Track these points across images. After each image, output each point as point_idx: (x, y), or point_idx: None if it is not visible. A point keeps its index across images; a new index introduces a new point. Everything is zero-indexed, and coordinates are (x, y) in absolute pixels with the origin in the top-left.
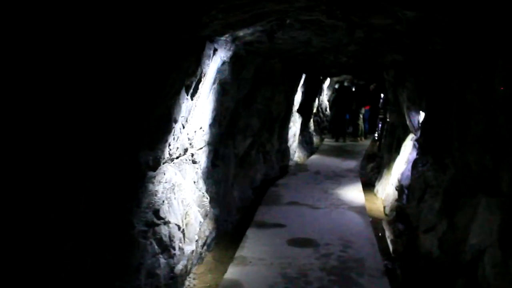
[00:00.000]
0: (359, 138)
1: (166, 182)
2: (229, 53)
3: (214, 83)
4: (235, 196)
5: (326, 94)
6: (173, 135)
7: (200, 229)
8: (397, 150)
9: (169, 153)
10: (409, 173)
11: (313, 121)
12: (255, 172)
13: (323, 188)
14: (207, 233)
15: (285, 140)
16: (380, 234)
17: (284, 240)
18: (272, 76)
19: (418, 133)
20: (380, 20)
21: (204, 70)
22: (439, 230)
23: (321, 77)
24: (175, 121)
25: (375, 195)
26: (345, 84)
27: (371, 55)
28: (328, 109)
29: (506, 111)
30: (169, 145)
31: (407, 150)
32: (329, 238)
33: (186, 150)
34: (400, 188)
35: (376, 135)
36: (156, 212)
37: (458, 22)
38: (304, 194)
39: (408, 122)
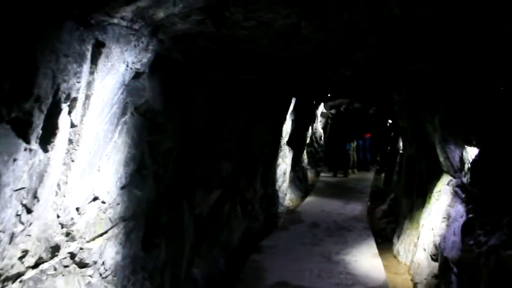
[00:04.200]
0: (350, 171)
1: None
2: (146, 56)
3: (122, 113)
4: (195, 277)
5: (320, 122)
6: None
7: None
8: (421, 195)
9: None
10: (455, 238)
11: (306, 152)
12: (229, 232)
13: (324, 252)
14: None
15: (272, 182)
16: None
17: None
18: (247, 101)
19: (465, 176)
20: None
21: (68, 85)
22: None
23: (314, 102)
24: None
25: (395, 257)
26: (342, 109)
27: (385, 66)
28: (323, 138)
29: None
30: None
31: (444, 200)
32: None
33: (55, 249)
34: (443, 262)
35: (377, 167)
36: None
37: None
38: (298, 266)
39: (442, 159)
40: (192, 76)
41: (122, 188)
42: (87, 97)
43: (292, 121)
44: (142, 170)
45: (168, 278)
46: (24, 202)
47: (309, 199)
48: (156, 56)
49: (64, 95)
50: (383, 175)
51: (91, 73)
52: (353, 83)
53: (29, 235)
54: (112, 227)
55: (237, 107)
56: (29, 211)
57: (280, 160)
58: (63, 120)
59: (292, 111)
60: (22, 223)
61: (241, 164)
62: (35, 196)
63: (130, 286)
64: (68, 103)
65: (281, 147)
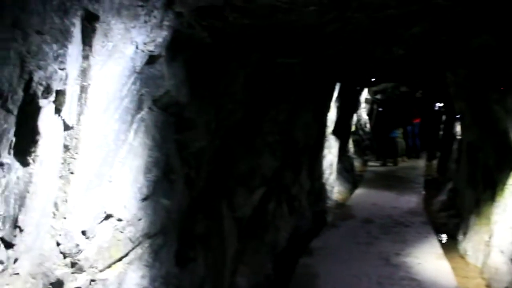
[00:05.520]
0: (400, 159)
1: None
2: (161, 35)
3: (138, 108)
4: (240, 287)
5: (364, 108)
6: None
7: None
8: (489, 187)
9: None
10: None
11: (352, 141)
12: (276, 233)
13: (381, 253)
14: None
15: (319, 175)
16: None
17: None
18: (289, 88)
19: None
20: None
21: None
22: None
23: (358, 88)
24: None
25: (462, 258)
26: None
27: (444, 42)
28: (368, 125)
29: None
30: None
31: None
32: None
33: (56, 286)
34: None
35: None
36: None
37: None
38: (354, 270)
39: None
40: (223, 60)
41: (144, 199)
42: (83, 89)
43: (337, 108)
44: (169, 175)
45: None
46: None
47: (358, 191)
48: (174, 34)
49: (41, 88)
50: (434, 162)
51: (85, 57)
52: (403, 65)
53: (17, 274)
54: (133, 248)
55: (278, 95)
56: (8, 245)
57: (326, 151)
58: (48, 121)
59: (337, 98)
60: (1, 262)
61: (285, 158)
62: (15, 225)
63: None
64: (52, 99)
65: (326, 137)
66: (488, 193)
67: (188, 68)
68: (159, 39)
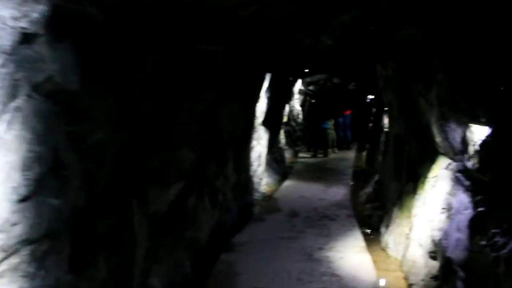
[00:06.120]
0: (330, 150)
1: None
2: (37, 9)
3: (11, 95)
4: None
5: (297, 99)
6: None
7: None
8: (411, 180)
9: None
10: (460, 235)
11: (284, 131)
12: (196, 229)
13: (305, 247)
14: None
15: (246, 167)
16: None
17: None
18: (212, 78)
19: (469, 160)
20: None
21: None
22: None
23: (291, 78)
24: None
25: (383, 250)
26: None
27: (372, 33)
28: (300, 117)
29: None
30: None
31: (442, 187)
32: None
33: None
34: (445, 263)
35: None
36: None
37: None
38: (275, 267)
39: (439, 140)
40: (125, 44)
41: (22, 200)
42: None
43: (268, 99)
44: (59, 171)
45: None
46: None
47: (287, 183)
48: (56, 10)
49: None
50: (364, 153)
51: None
52: (334, 56)
53: None
54: (5, 258)
55: (197, 85)
56: None
57: (254, 142)
58: None
59: (267, 88)
60: None
61: (207, 151)
62: None
63: None
64: None
65: (255, 128)
66: (410, 185)
67: (79, 51)
68: (34, 15)
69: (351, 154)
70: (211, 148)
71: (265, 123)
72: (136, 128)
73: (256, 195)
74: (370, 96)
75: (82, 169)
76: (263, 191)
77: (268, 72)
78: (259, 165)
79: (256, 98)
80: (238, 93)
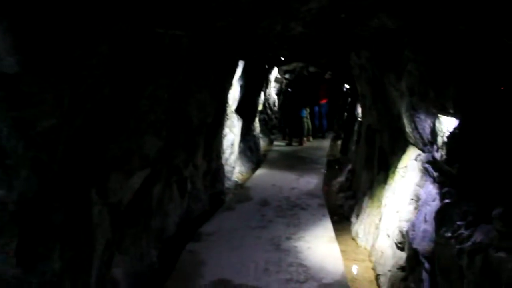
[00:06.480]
0: (305, 139)
1: None
2: None
3: None
4: (116, 278)
5: (274, 87)
6: None
7: None
8: (383, 169)
9: None
10: (427, 226)
11: (259, 119)
12: (163, 218)
13: (273, 237)
14: None
15: (217, 155)
16: None
17: None
18: (174, 62)
19: (437, 152)
20: None
21: None
22: None
23: (267, 66)
24: None
25: (353, 240)
26: (296, 73)
27: (343, 21)
28: (276, 104)
29: None
30: None
31: (411, 178)
32: None
33: None
34: (411, 254)
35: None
36: None
37: None
38: (242, 257)
39: (409, 130)
40: (74, 26)
41: None
42: None
43: (241, 86)
44: (2, 160)
45: None
46: None
47: (260, 171)
48: None
49: None
50: (339, 142)
51: None
52: (307, 43)
53: None
54: None
55: (161, 71)
56: None
57: (227, 130)
58: None
59: (241, 76)
60: None
61: (175, 138)
62: None
63: None
64: None
65: (227, 115)
66: (381, 175)
67: (18, 33)
68: None
69: (326, 143)
70: (180, 135)
71: (238, 110)
72: (93, 115)
73: (228, 184)
74: (347, 86)
75: (31, 157)
76: (236, 179)
77: (241, 59)
78: (231, 153)
79: (228, 85)
80: (208, 80)
